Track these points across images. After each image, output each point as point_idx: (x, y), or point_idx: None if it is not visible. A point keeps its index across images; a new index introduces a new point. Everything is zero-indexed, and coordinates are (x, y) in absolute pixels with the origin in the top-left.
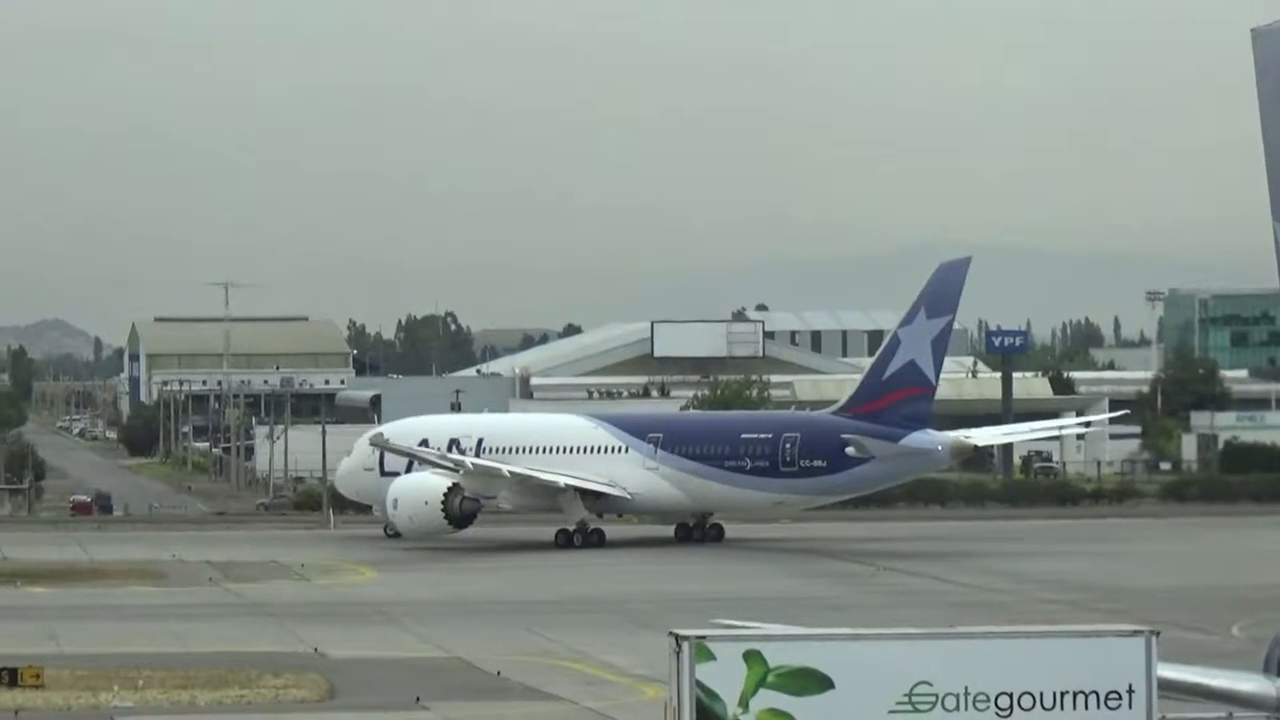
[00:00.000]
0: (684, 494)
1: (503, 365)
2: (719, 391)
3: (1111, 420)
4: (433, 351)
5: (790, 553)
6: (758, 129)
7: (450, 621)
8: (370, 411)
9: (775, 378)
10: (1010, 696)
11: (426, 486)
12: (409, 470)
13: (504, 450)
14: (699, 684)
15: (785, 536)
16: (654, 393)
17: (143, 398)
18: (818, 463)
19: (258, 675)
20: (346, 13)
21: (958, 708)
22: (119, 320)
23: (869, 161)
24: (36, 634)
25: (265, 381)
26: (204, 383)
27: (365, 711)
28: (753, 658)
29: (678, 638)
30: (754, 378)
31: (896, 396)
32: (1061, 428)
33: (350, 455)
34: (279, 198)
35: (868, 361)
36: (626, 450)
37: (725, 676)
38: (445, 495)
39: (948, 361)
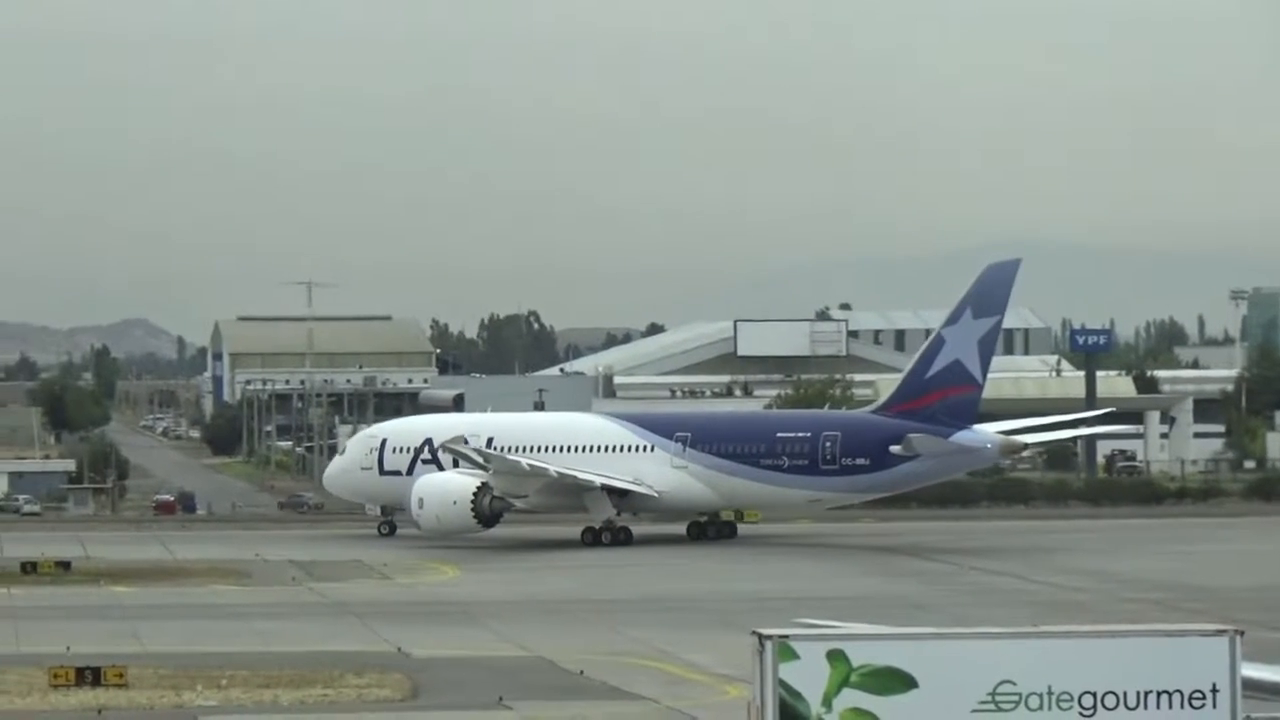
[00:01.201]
0: (714, 492)
1: (585, 364)
2: (801, 391)
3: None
4: (515, 351)
5: (871, 551)
6: (842, 127)
7: (532, 620)
8: (453, 411)
9: (858, 377)
10: (1094, 696)
11: (454, 486)
12: (410, 471)
13: (515, 449)
14: (782, 683)
15: (844, 535)
16: (737, 392)
17: (226, 397)
18: (860, 461)
19: (340, 674)
20: (424, 19)
21: (1041, 707)
22: (202, 319)
23: (950, 160)
24: (120, 633)
25: (348, 381)
26: (287, 382)
27: (448, 711)
28: (836, 657)
29: (761, 637)
30: (837, 377)
31: (940, 395)
32: (1076, 421)
33: (342, 454)
34: (363, 199)
35: None
36: (652, 449)
37: (809, 676)
38: (475, 494)
39: (1031, 360)
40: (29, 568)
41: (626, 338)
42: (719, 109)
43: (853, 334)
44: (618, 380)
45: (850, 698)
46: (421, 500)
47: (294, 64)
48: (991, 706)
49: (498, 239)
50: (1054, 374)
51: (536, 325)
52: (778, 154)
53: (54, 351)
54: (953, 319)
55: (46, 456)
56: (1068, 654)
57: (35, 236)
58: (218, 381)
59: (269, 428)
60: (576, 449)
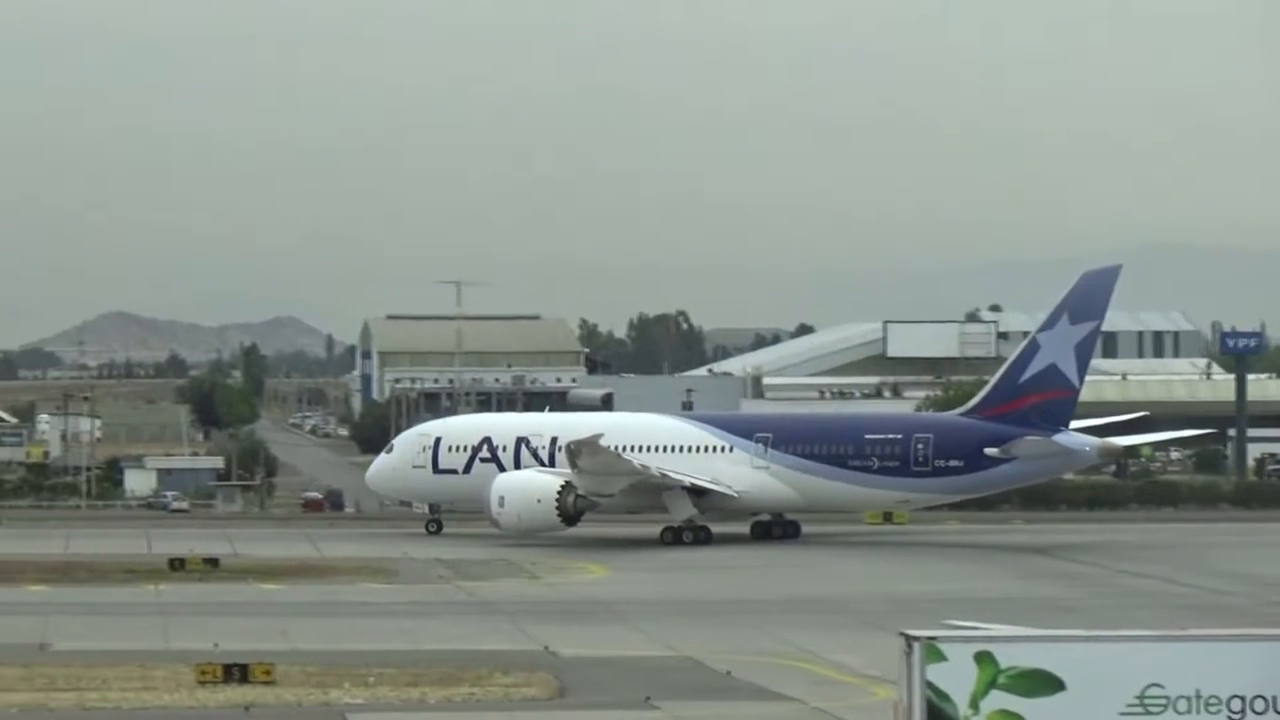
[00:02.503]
0: (796, 492)
1: (734, 365)
2: (951, 392)
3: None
4: (664, 351)
5: (1018, 553)
6: (992, 127)
7: (679, 620)
8: (600, 410)
9: None
10: (1242, 700)
11: (537, 484)
12: (468, 470)
13: None
14: (930, 684)
15: (980, 536)
16: (886, 393)
17: (374, 395)
18: (953, 463)
19: (488, 673)
20: (567, 16)
21: (1189, 711)
22: (352, 317)
23: (1099, 161)
24: (268, 630)
25: (497, 379)
26: (435, 380)
27: (594, 710)
28: (984, 659)
29: (909, 638)
30: (986, 378)
31: (1035, 399)
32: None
33: (389, 452)
34: (512, 198)
35: (1103, 363)
36: (730, 449)
37: (956, 677)
38: (559, 493)
39: (1181, 363)
40: (177, 565)
41: (775, 338)
42: (873, 109)
43: (1002, 335)
44: (766, 381)
45: (998, 699)
46: (502, 499)
47: (441, 62)
48: (1139, 709)
49: (647, 238)
50: (1204, 377)
51: (685, 325)
52: (930, 154)
53: (204, 349)
54: (1049, 324)
55: (195, 454)
56: (1216, 657)
57: (185, 234)
58: (366, 380)
59: None
60: (651, 449)
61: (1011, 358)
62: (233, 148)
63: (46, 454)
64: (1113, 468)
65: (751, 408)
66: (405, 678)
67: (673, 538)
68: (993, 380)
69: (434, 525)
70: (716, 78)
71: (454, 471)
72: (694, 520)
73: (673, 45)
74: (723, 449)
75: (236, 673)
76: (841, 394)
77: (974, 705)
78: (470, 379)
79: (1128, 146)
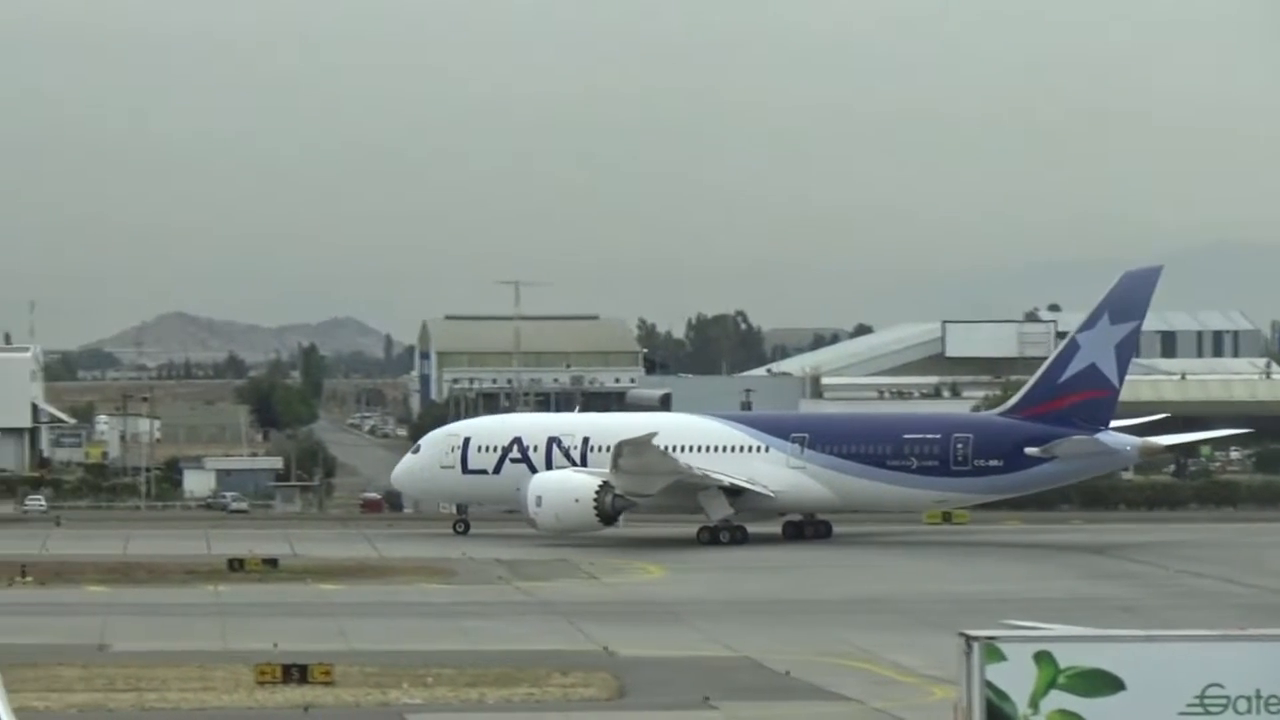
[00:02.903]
0: (833, 492)
1: (793, 365)
2: (1009, 392)
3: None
4: (723, 350)
5: (1076, 553)
6: (1049, 126)
7: (738, 620)
8: (660, 410)
9: None
10: None
11: (575, 484)
12: (498, 470)
13: (612, 450)
14: (989, 684)
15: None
16: (945, 393)
17: (433, 395)
18: (993, 462)
19: (547, 674)
20: (629, 19)
21: (1249, 710)
22: (410, 318)
23: (1159, 159)
24: (327, 631)
25: (555, 379)
26: (494, 380)
27: (653, 710)
28: (1043, 659)
29: (968, 638)
30: None
31: (1074, 398)
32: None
33: (416, 453)
34: (572, 198)
35: (1161, 363)
36: (767, 449)
37: (1015, 677)
38: (597, 492)
39: (1240, 362)
40: (236, 565)
41: (834, 338)
42: (934, 106)
43: (1061, 335)
44: (825, 381)
45: (1057, 699)
46: (540, 498)
47: (496, 62)
48: (1199, 709)
49: (705, 238)
50: (1264, 376)
51: (744, 325)
52: (989, 152)
53: (262, 350)
54: (1088, 324)
55: (254, 454)
56: (1276, 657)
57: (244, 236)
58: (425, 380)
59: None
60: (687, 449)
61: (1051, 358)
62: (290, 151)
63: (105, 455)
64: (1171, 467)
65: (810, 408)
66: (464, 678)
67: (709, 538)
68: (1031, 380)
69: (461, 525)
70: (772, 77)
71: (484, 472)
72: (730, 520)
73: (726, 45)
74: (758, 449)
75: (295, 673)
76: (900, 394)
77: (1033, 705)
78: (528, 379)
79: (1189, 143)
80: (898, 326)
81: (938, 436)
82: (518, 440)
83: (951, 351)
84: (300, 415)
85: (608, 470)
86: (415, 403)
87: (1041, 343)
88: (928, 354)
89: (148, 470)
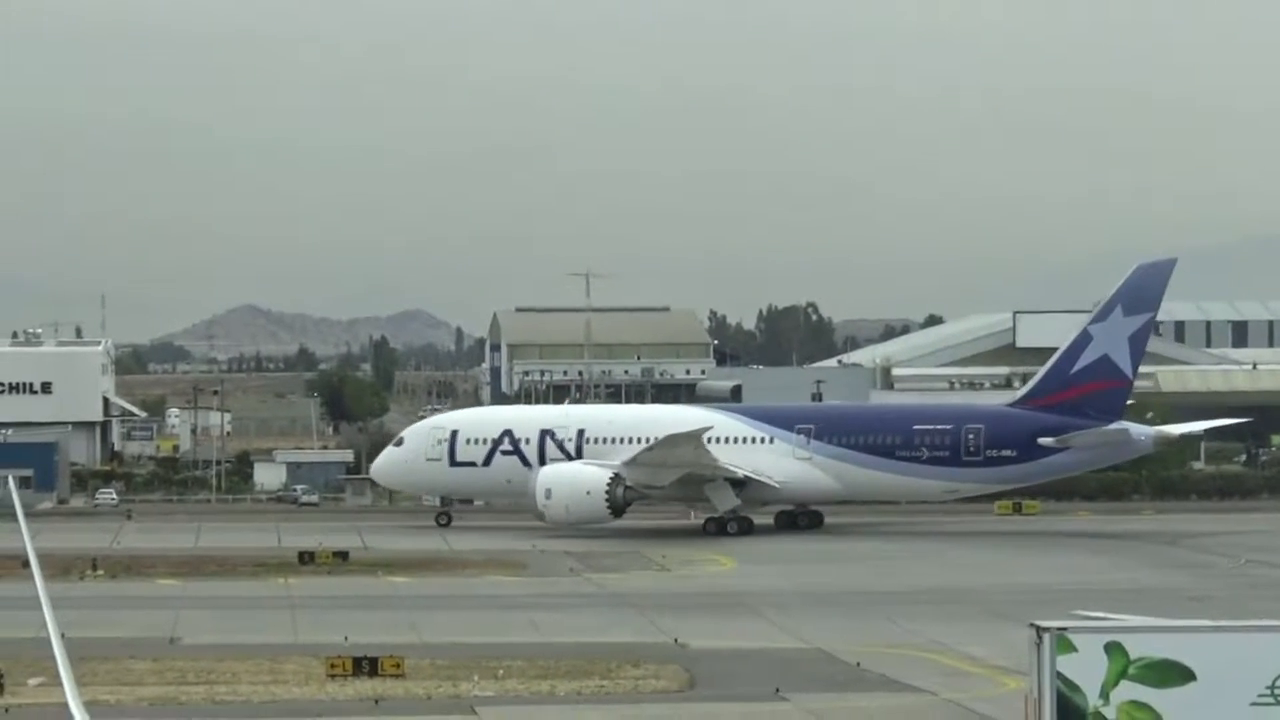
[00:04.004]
0: (839, 483)
1: (863, 356)
2: None
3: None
4: (793, 342)
5: (1147, 543)
6: (1127, 113)
7: (809, 612)
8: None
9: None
10: None
11: (586, 477)
12: (487, 462)
13: (609, 442)
14: (1060, 675)
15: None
16: (1015, 383)
17: (504, 388)
18: (1006, 452)
19: (617, 666)
20: (696, 13)
21: None
22: (480, 310)
23: (1241, 148)
24: (397, 624)
25: (626, 371)
26: (565, 373)
27: (724, 702)
28: (1114, 649)
29: (1039, 629)
30: None
31: (1087, 389)
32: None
33: (399, 445)
34: (642, 189)
35: (1233, 353)
36: (771, 441)
37: (1086, 668)
38: (609, 484)
39: None
40: (307, 558)
41: (905, 329)
42: (998, 95)
43: None
44: (895, 372)
45: (1128, 690)
46: (549, 491)
47: (564, 59)
48: (1270, 699)
49: (776, 229)
50: None
51: (815, 316)
52: (1062, 140)
53: (333, 343)
54: (1101, 316)
55: (325, 447)
56: None
57: (314, 229)
58: (495, 372)
59: None
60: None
61: (1062, 349)
62: (359, 146)
63: (176, 448)
64: (1242, 457)
65: (880, 398)
66: (535, 670)
67: (716, 528)
68: (1042, 371)
69: (444, 518)
70: (838, 69)
71: (473, 464)
72: (737, 510)
73: (797, 39)
74: (761, 440)
75: (366, 666)
76: (971, 385)
77: (1104, 696)
78: (599, 371)
79: (1258, 129)
80: (968, 317)
81: (949, 427)
82: (508, 433)
83: (1022, 342)
84: (371, 408)
85: (618, 463)
86: (486, 395)
87: None
88: (999, 344)
89: (218, 463)
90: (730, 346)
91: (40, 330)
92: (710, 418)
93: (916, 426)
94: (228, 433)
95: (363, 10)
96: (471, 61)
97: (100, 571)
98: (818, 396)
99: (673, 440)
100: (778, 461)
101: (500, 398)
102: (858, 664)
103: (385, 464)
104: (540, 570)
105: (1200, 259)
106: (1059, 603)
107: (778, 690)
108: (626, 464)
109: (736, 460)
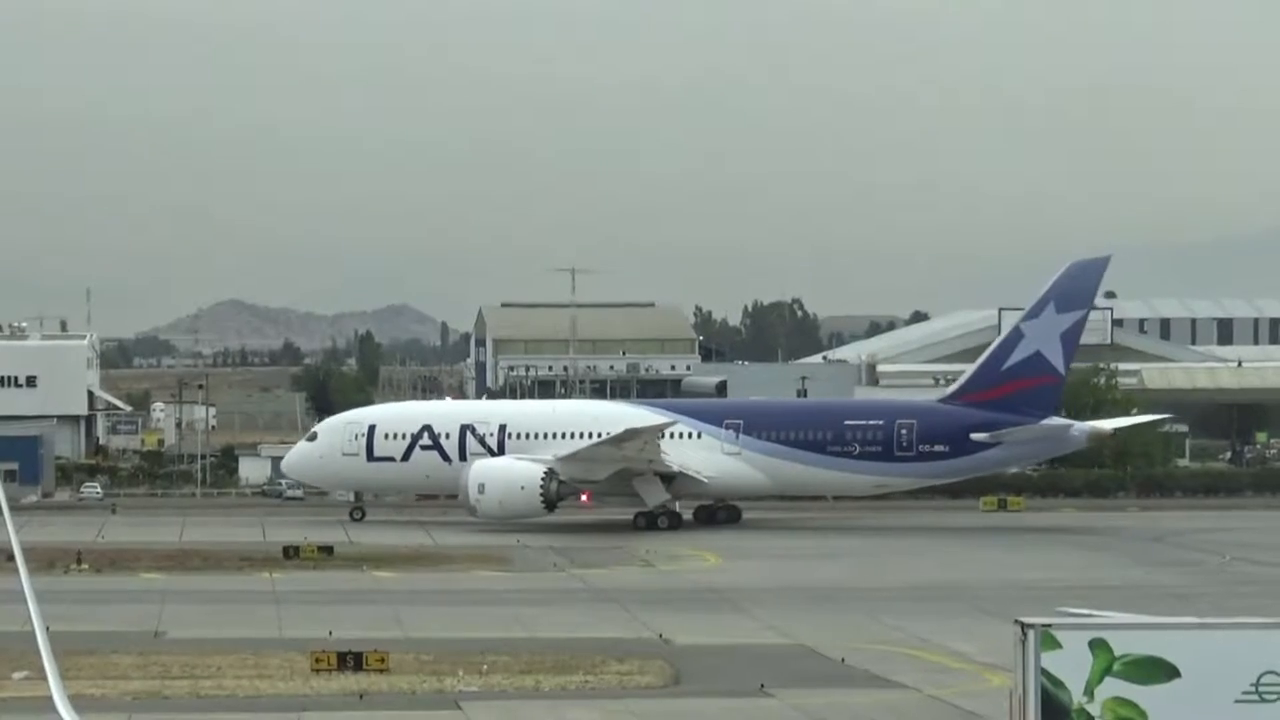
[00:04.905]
0: (769, 478)
1: (849, 352)
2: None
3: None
4: (778, 338)
5: (1131, 541)
6: (1112, 109)
7: (794, 608)
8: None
9: (1123, 365)
10: None
11: (520, 471)
12: (406, 457)
13: (531, 437)
14: (1045, 672)
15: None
16: None
17: (489, 383)
18: (939, 447)
19: (602, 661)
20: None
21: None
22: (466, 305)
23: (1223, 142)
24: (382, 618)
25: (611, 367)
26: (550, 368)
27: (709, 698)
28: (1099, 646)
29: (1024, 626)
30: (1101, 365)
31: (1018, 385)
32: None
33: (312, 440)
34: (626, 184)
35: (1218, 350)
36: (699, 436)
37: (1071, 664)
38: (543, 479)
39: None
40: (291, 552)
41: (890, 325)
42: (995, 91)
43: (1117, 322)
44: (881, 368)
45: (1112, 686)
46: (482, 485)
47: (549, 54)
48: (1255, 697)
49: (761, 225)
50: None
51: (800, 312)
52: (1049, 136)
53: (318, 337)
54: (1033, 313)
55: None
56: None
57: (299, 224)
58: (481, 367)
59: None
60: (605, 437)
61: (993, 346)
62: (343, 141)
63: (161, 442)
64: (1227, 455)
65: (865, 394)
66: (519, 665)
67: (646, 523)
68: (973, 367)
69: (358, 513)
70: (824, 64)
71: (391, 459)
72: (667, 505)
73: (787, 32)
74: (687, 435)
75: (351, 660)
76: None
77: (1089, 692)
78: (585, 366)
79: (1243, 126)
80: (954, 314)
81: (881, 423)
82: (428, 428)
83: None
84: (356, 403)
85: (550, 457)
86: (471, 390)
87: (1098, 330)
88: (984, 341)
89: (203, 457)
90: (716, 342)
91: (25, 324)
92: (637, 413)
93: (848, 422)
94: (213, 427)
95: (346, 6)
96: (455, 57)
97: (85, 565)
98: (803, 392)
99: (633, 434)
100: (707, 456)
101: (486, 393)
102: (842, 660)
103: (298, 459)
104: (525, 565)
105: (1186, 256)
106: (1044, 599)
107: (762, 686)
108: (562, 459)
109: (667, 455)
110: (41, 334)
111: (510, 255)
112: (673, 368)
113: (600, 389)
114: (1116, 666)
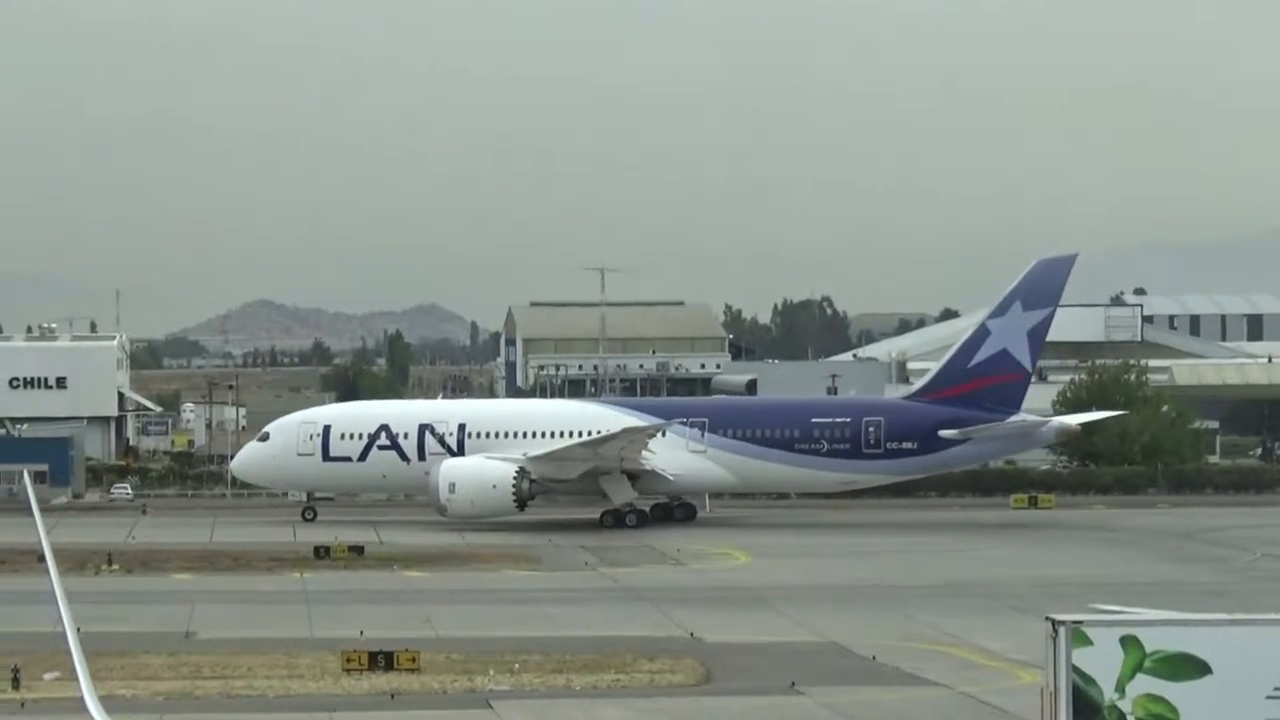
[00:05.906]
0: (734, 476)
1: (879, 350)
2: (1096, 376)
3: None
4: (808, 336)
5: (1163, 537)
6: (1136, 108)
7: (824, 606)
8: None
9: (1153, 362)
10: None
11: (491, 471)
12: (363, 457)
13: (491, 436)
14: (1076, 669)
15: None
16: (1030, 377)
17: (519, 382)
18: (907, 444)
19: (633, 659)
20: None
21: None
22: (495, 305)
23: (1251, 140)
24: (413, 618)
25: (641, 365)
26: (580, 367)
27: (740, 696)
28: (1130, 643)
29: (1055, 623)
30: (1131, 362)
31: (985, 382)
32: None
33: (264, 440)
34: (659, 185)
35: (1248, 346)
36: (663, 434)
37: (1102, 661)
38: (515, 479)
39: None
40: (322, 552)
41: (920, 323)
42: (1015, 90)
43: (1147, 319)
44: (911, 366)
45: (1144, 683)
46: (453, 485)
47: (570, 58)
48: None
49: (793, 223)
50: None
51: (830, 310)
52: (1079, 135)
53: (348, 337)
54: (999, 311)
55: None
56: None
57: (329, 224)
58: (510, 367)
59: None
60: (567, 435)
61: (959, 343)
62: (373, 142)
63: (191, 442)
64: (1258, 451)
65: (895, 392)
66: (550, 664)
67: (613, 521)
68: (939, 365)
69: (310, 513)
70: (851, 65)
71: (348, 459)
72: (633, 504)
73: (817, 34)
74: (656, 434)
75: (382, 660)
76: None
77: (1120, 689)
78: (615, 365)
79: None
80: (984, 311)
81: (848, 420)
82: (385, 427)
83: None
84: None
85: (520, 455)
86: (501, 389)
87: (1128, 327)
88: None
89: (233, 458)
90: (745, 340)
91: (55, 325)
92: (599, 411)
93: (815, 420)
94: (243, 427)
95: (376, 9)
96: (487, 58)
97: (115, 566)
98: (833, 390)
99: (630, 433)
100: (672, 454)
101: (515, 392)
102: (873, 658)
103: (249, 459)
104: (555, 564)
105: (1216, 252)
106: (1074, 596)
107: (793, 684)
108: (534, 458)
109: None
110: (71, 335)
111: (540, 255)
112: (702, 366)
113: (630, 388)
114: (1147, 663)
